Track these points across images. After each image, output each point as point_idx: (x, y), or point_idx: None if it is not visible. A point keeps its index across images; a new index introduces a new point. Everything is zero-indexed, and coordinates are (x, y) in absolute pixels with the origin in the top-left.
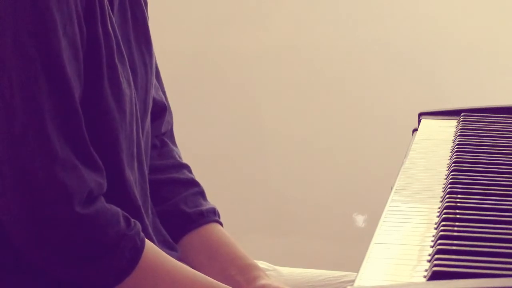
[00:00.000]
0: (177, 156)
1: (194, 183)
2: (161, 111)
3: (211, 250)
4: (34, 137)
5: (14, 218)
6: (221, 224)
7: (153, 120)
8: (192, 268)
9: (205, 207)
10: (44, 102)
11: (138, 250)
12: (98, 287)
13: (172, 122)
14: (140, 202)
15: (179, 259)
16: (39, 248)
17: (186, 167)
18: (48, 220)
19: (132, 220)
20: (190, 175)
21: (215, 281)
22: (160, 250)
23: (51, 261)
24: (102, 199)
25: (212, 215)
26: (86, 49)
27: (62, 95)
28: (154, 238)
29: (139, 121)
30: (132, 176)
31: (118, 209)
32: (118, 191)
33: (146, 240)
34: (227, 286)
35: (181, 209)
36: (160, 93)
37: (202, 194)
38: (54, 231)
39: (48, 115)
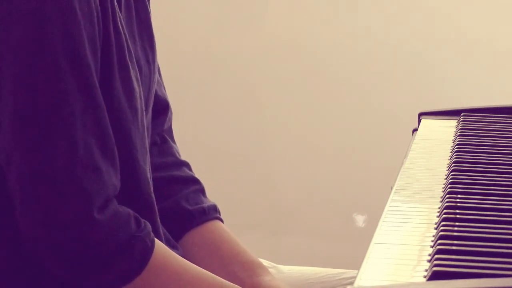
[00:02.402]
0: (176, 153)
1: (194, 181)
2: (164, 108)
3: (212, 247)
4: (58, 137)
5: (30, 220)
6: (222, 221)
7: (157, 117)
8: (195, 263)
9: (206, 204)
10: (72, 100)
11: (149, 251)
12: (108, 287)
13: (172, 118)
14: (153, 199)
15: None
16: (52, 250)
17: (185, 164)
18: (64, 224)
19: (143, 220)
20: (190, 172)
21: (223, 280)
22: (169, 250)
23: (62, 263)
24: (115, 200)
25: (213, 212)
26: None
27: (90, 92)
28: (162, 236)
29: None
30: (147, 173)
31: (129, 210)
32: (133, 189)
33: (156, 240)
34: (235, 285)
35: (182, 207)
36: (163, 89)
37: (202, 191)
38: (69, 235)
39: (77, 113)
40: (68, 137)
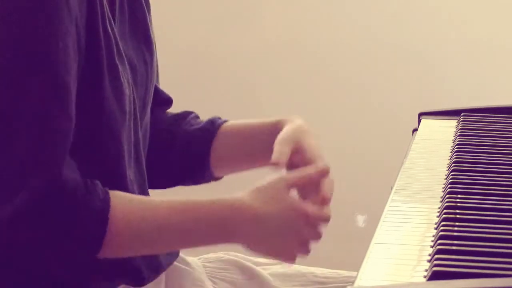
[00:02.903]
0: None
1: (187, 112)
2: (168, 102)
3: (237, 138)
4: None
5: None
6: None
7: (163, 111)
8: (229, 160)
9: (208, 120)
10: (37, 100)
11: (103, 213)
12: (75, 260)
13: None
14: None
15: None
16: (6, 230)
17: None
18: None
19: (90, 184)
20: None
21: (201, 199)
22: (129, 198)
23: (22, 246)
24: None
25: (218, 120)
26: (87, 51)
27: (60, 95)
28: None
29: (138, 119)
30: (132, 176)
31: (78, 179)
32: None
33: (113, 194)
34: (203, 200)
35: (194, 130)
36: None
37: (198, 117)
38: (12, 221)
39: (39, 113)
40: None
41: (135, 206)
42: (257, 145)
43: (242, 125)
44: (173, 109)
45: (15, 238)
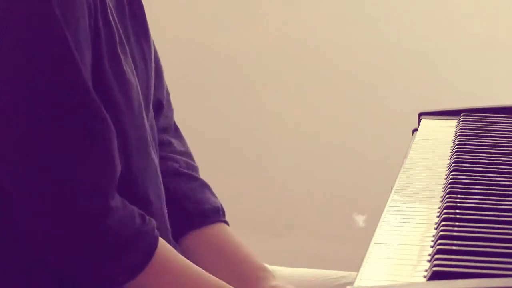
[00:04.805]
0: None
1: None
2: (157, 109)
3: (218, 251)
4: (51, 130)
5: (37, 215)
6: (227, 223)
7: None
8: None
9: (208, 205)
10: (67, 95)
11: (153, 247)
12: (112, 283)
13: (172, 115)
14: (152, 197)
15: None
16: (61, 244)
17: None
18: (75, 215)
19: (147, 217)
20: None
21: (222, 282)
22: (173, 249)
23: (69, 257)
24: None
25: (216, 215)
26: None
27: (80, 87)
28: (170, 231)
29: (144, 115)
30: (143, 164)
31: (133, 207)
32: (125, 182)
33: (160, 238)
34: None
35: (183, 205)
36: (161, 90)
37: (207, 186)
38: (80, 225)
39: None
40: (61, 130)
41: (174, 264)
42: (227, 266)
43: (227, 242)
44: (174, 109)
45: (53, 249)
